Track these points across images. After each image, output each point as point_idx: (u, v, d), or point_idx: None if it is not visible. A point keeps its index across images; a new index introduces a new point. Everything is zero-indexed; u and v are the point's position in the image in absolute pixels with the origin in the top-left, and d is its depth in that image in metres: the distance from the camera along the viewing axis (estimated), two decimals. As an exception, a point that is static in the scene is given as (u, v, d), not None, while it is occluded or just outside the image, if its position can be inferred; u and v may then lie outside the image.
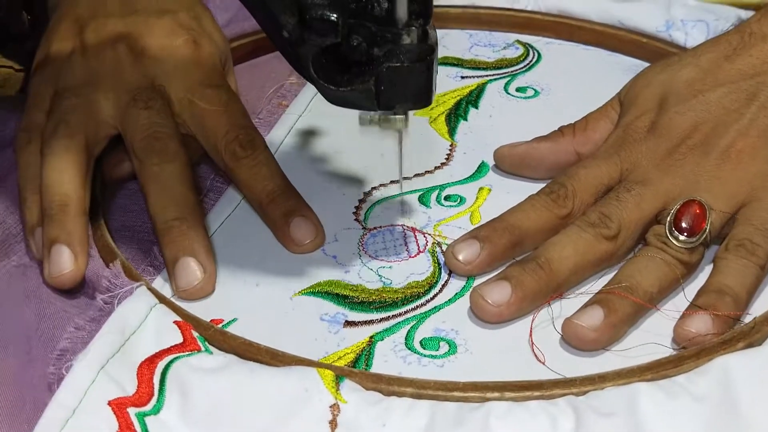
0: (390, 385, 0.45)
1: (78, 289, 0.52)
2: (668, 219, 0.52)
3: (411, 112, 0.51)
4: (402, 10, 0.46)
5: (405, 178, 0.60)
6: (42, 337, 0.49)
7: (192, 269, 0.52)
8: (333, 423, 0.44)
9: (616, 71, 0.71)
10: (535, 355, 0.49)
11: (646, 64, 0.68)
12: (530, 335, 0.50)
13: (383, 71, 0.47)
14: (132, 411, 0.44)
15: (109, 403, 0.44)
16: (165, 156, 0.56)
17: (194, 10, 0.64)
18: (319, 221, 0.56)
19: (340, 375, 0.45)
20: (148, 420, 0.44)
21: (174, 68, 0.60)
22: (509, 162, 0.62)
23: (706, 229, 0.52)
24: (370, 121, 0.51)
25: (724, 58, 0.58)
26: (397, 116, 0.50)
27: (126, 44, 0.60)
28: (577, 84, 0.71)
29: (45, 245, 0.52)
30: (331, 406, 0.44)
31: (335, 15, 0.46)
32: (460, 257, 0.53)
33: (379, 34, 0.47)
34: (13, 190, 0.58)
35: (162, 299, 0.50)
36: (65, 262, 0.51)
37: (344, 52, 0.47)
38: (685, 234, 0.52)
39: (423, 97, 0.49)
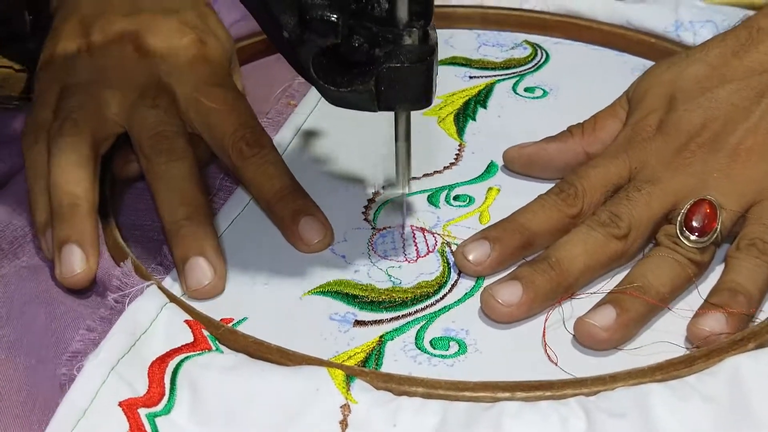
0: (401, 385, 0.45)
1: (89, 288, 0.52)
2: (679, 219, 0.52)
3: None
4: (402, 11, 0.46)
5: (414, 178, 0.60)
6: (52, 338, 0.49)
7: (202, 269, 0.52)
8: (344, 423, 0.43)
9: (625, 71, 0.71)
10: (548, 356, 0.48)
11: (655, 64, 0.68)
12: (543, 335, 0.49)
13: (383, 72, 0.47)
14: (143, 412, 0.44)
15: (120, 404, 0.44)
16: (172, 155, 0.56)
17: (199, 9, 0.64)
18: (327, 220, 0.56)
19: (350, 375, 0.45)
20: (158, 420, 0.44)
21: (180, 67, 0.60)
22: (518, 163, 0.61)
23: (716, 228, 0.52)
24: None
25: (731, 54, 0.58)
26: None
27: (132, 42, 0.60)
28: (585, 84, 0.71)
29: (55, 245, 0.52)
30: (341, 407, 0.44)
31: (335, 15, 0.46)
32: (471, 257, 0.53)
33: (379, 35, 0.47)
34: (19, 191, 0.57)
35: (173, 298, 0.50)
36: (77, 262, 0.51)
37: (344, 53, 0.47)
38: (696, 234, 0.52)
39: (423, 98, 0.48)
